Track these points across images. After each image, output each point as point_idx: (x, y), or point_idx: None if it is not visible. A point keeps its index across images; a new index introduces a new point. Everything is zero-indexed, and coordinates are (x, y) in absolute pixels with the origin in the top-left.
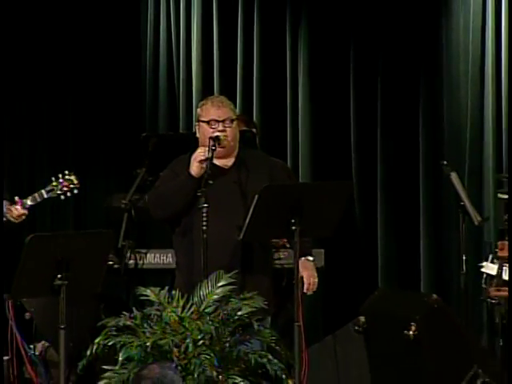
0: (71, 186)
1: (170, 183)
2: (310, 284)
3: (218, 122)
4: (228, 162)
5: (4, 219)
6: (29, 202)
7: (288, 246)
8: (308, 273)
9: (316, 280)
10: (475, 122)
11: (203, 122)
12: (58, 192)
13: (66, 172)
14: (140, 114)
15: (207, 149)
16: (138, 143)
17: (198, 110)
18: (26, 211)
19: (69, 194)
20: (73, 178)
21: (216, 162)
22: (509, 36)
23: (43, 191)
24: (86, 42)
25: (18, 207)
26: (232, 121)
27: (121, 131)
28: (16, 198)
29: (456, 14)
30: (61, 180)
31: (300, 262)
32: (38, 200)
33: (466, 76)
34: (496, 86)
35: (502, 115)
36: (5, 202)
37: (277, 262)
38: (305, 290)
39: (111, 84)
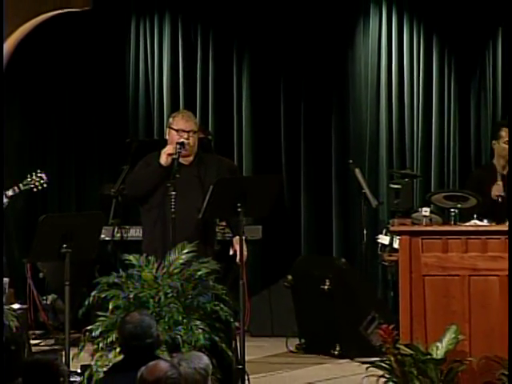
0: (41, 181)
1: (143, 170)
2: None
3: (184, 131)
4: (190, 162)
5: None
6: (9, 193)
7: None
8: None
9: (246, 252)
10: (373, 131)
11: (173, 129)
12: (31, 185)
13: (39, 171)
14: (124, 124)
15: (173, 147)
16: (124, 146)
17: (171, 119)
18: (6, 199)
19: (40, 187)
20: (43, 175)
21: (181, 160)
22: (397, 67)
23: (20, 184)
24: (86, 77)
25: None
26: (195, 132)
27: (110, 137)
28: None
29: (358, 52)
30: (34, 177)
31: (236, 238)
32: (17, 191)
33: (366, 97)
34: (388, 104)
35: (392, 125)
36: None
37: (226, 235)
38: (237, 260)
39: (104, 102)
